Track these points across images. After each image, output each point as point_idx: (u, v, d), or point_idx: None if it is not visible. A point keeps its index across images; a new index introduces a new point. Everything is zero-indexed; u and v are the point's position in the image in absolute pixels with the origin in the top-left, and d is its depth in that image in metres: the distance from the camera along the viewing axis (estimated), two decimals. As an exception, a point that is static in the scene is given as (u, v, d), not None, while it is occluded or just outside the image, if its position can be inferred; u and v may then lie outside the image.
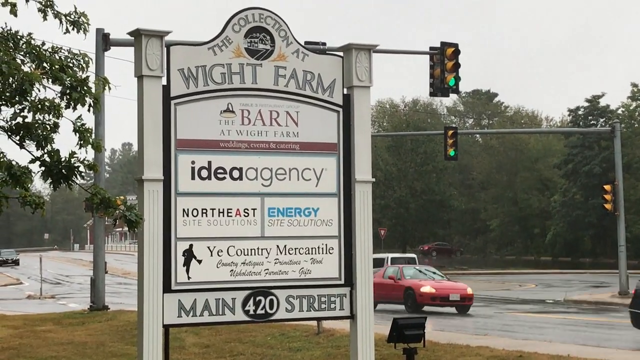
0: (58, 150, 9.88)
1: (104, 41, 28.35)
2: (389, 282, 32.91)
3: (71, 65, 9.93)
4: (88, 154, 10.18)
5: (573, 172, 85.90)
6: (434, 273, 34.74)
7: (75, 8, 10.47)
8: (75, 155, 9.83)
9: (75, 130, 9.92)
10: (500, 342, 19.44)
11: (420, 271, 34.93)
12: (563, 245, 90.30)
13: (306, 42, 27.14)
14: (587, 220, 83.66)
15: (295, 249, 11.79)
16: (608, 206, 43.51)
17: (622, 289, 42.57)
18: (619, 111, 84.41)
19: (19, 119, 9.89)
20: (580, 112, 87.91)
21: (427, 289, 31.76)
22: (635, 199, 75.89)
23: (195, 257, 11.25)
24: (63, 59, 9.96)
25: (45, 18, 10.40)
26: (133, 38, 11.29)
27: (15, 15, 10.27)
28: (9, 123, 9.92)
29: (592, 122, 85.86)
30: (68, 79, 9.80)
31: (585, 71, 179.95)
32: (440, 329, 23.49)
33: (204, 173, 11.38)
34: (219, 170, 11.46)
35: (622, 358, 16.45)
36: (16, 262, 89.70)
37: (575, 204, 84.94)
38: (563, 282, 55.24)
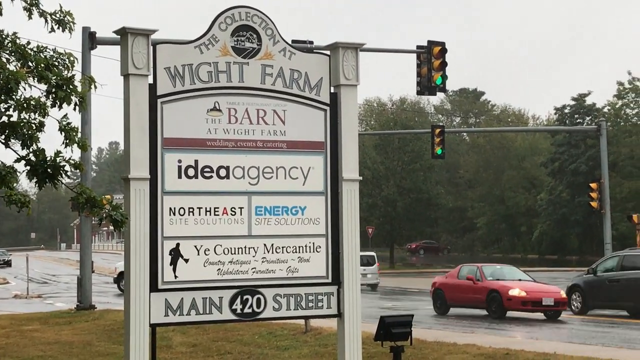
0: (43, 150, 9.84)
1: (90, 40, 28.28)
2: (466, 283, 29.54)
3: (57, 64, 9.90)
4: (74, 153, 10.15)
5: (559, 171, 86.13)
6: (517, 272, 30.86)
7: (61, 7, 10.44)
8: (60, 155, 9.79)
9: (61, 129, 9.89)
10: (487, 339, 19.48)
11: (501, 270, 31.11)
12: (549, 243, 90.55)
13: (293, 41, 27.15)
14: (573, 218, 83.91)
15: (283, 247, 11.78)
16: (594, 204, 43.70)
17: (608, 286, 42.66)
18: (605, 109, 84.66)
19: (4, 118, 9.84)
20: (566, 111, 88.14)
21: (516, 291, 28.04)
22: (621, 197, 76.14)
23: (182, 256, 11.23)
24: (48, 57, 9.93)
25: (30, 17, 10.36)
26: (119, 36, 11.26)
27: (0, 14, 10.23)
28: (-5, 122, 9.87)
29: (579, 120, 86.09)
30: (54, 78, 9.77)
31: (572, 70, 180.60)
32: (427, 327, 23.50)
33: (191, 172, 11.36)
34: (206, 169, 11.44)
35: (608, 355, 16.50)
36: (8, 264, 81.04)
37: (561, 202, 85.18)
38: (550, 279, 55.21)
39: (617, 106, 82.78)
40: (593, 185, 44.33)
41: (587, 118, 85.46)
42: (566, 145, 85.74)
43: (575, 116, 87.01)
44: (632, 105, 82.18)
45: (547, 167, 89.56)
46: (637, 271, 28.36)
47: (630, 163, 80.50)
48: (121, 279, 43.52)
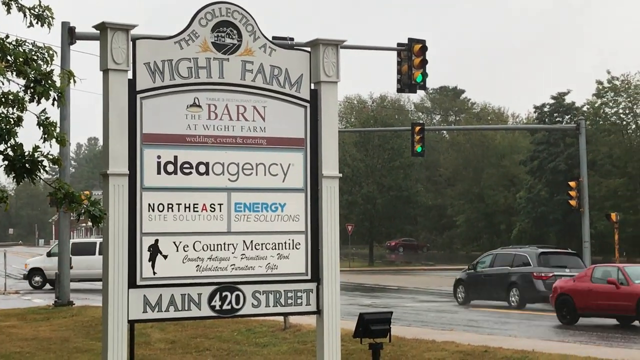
0: (21, 144, 9.78)
1: (70, 35, 28.14)
2: (605, 287, 24.83)
3: (35, 58, 9.83)
4: (52, 148, 10.09)
5: (539, 169, 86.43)
6: None
7: (40, 1, 10.37)
8: (39, 150, 9.74)
9: (39, 124, 9.83)
10: (466, 337, 19.53)
11: None
12: (528, 241, 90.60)
13: (274, 37, 27.07)
14: (552, 216, 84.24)
15: (262, 244, 11.76)
16: (573, 202, 43.91)
17: (586, 284, 42.87)
18: (584, 108, 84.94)
19: (-18, 113, 9.77)
20: (545, 109, 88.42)
21: None
22: (600, 195, 76.48)
23: (160, 252, 11.20)
24: (27, 52, 9.86)
25: (9, 11, 10.28)
26: (99, 32, 11.21)
27: (-22, 9, 10.15)
28: (-28, 117, 9.80)
29: (558, 119, 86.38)
30: (32, 72, 9.71)
31: (551, 68, 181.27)
32: (407, 324, 23.57)
33: (170, 168, 11.32)
34: (185, 165, 11.40)
35: (585, 352, 16.59)
36: None
37: (540, 200, 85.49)
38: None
39: (596, 105, 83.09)
40: (572, 183, 44.54)
41: (567, 117, 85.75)
42: (545, 144, 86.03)
43: (555, 115, 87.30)
44: (611, 104, 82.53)
45: (526, 165, 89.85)
46: (505, 267, 32.56)
47: (609, 162, 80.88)
48: (33, 275, 43.39)
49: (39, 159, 9.70)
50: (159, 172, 11.26)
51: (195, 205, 11.42)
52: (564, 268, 31.16)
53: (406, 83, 32.14)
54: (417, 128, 40.84)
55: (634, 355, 16.42)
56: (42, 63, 9.87)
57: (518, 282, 31.46)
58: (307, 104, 12.07)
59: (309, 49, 12.33)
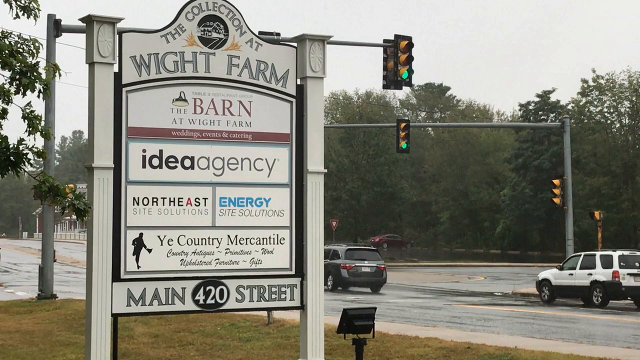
0: (6, 137, 9.73)
1: (55, 27, 28.04)
2: None
3: (21, 50, 9.78)
4: (37, 141, 10.05)
5: (523, 167, 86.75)
6: None
7: (26, -7, 10.30)
8: (23, 142, 9.69)
9: (24, 117, 9.78)
10: (449, 333, 19.59)
11: None
12: (512, 238, 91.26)
13: (260, 32, 27.08)
14: (536, 214, 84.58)
15: (246, 239, 11.78)
16: (557, 200, 44.04)
17: (569, 282, 43.09)
18: (569, 107, 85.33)
19: (-33, 104, 9.72)
20: (530, 107, 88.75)
21: None
22: (584, 193, 76.85)
23: (145, 246, 11.19)
24: (13, 44, 9.81)
25: (-5, 3, 10.22)
26: (85, 24, 11.18)
27: (-35, 0, 10.08)
28: (-43, 108, 9.75)
29: (543, 117, 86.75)
30: (18, 65, 9.66)
31: (537, 66, 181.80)
32: (391, 320, 23.62)
33: (155, 162, 11.32)
34: (170, 159, 11.40)
35: (568, 350, 16.67)
36: None
37: (524, 198, 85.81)
38: (511, 274, 55.79)
39: (581, 104, 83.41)
40: (556, 181, 44.67)
41: (551, 115, 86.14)
42: (530, 142, 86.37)
43: (540, 113, 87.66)
44: (595, 103, 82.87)
45: (510, 163, 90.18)
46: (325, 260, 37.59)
47: (593, 160, 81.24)
48: None
49: (24, 151, 9.65)
50: (144, 166, 11.25)
51: (180, 200, 11.42)
52: (364, 260, 39.33)
53: (392, 79, 32.17)
54: (402, 124, 40.88)
55: (616, 352, 16.50)
56: (27, 55, 9.83)
57: (332, 271, 38.66)
58: (293, 99, 12.08)
59: (295, 44, 12.34)
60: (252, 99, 11.85)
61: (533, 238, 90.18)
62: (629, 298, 32.51)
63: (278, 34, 30.16)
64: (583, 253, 35.31)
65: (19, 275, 50.27)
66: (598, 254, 33.36)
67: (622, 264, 32.03)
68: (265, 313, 19.59)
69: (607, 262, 32.29)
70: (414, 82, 34.12)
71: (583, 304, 33.04)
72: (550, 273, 35.18)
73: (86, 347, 11.07)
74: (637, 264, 32.21)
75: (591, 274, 32.49)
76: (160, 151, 11.35)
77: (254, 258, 11.82)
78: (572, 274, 33.56)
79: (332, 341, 15.99)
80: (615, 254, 32.53)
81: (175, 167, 11.42)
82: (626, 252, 33.57)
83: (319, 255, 12.16)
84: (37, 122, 9.82)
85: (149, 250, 11.22)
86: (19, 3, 10.18)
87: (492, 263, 75.62)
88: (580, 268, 33.20)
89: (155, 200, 11.29)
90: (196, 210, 11.50)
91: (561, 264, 35.13)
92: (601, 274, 32.12)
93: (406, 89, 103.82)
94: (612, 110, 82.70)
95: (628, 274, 31.69)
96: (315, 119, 12.17)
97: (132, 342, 17.89)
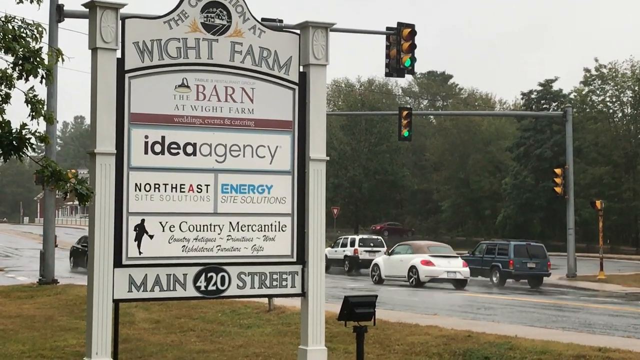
0: (9, 122, 9.74)
1: (58, 12, 28.01)
2: None
3: (24, 35, 9.77)
4: (40, 125, 10.05)
5: (524, 155, 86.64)
6: None
7: (29, -23, 10.29)
8: (26, 127, 9.69)
9: (27, 102, 9.78)
10: (449, 321, 19.62)
11: None
12: (513, 227, 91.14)
13: (263, 19, 27.01)
14: (537, 203, 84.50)
15: (248, 225, 11.78)
16: (558, 189, 44.04)
17: (570, 271, 43.21)
18: (571, 96, 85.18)
19: (-30, 89, 9.72)
20: (533, 96, 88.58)
21: None
22: (585, 183, 76.79)
23: (146, 232, 11.20)
24: (16, 28, 9.80)
25: (-2, -13, 10.22)
26: (88, 10, 11.17)
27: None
28: (-41, 93, 9.75)
29: (545, 106, 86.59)
30: (21, 50, 9.65)
31: (539, 55, 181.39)
32: (391, 308, 23.66)
33: (157, 148, 11.31)
34: (173, 146, 11.39)
35: (567, 339, 16.68)
36: None
37: (526, 187, 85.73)
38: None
39: (583, 93, 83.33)
40: (557, 170, 44.67)
41: (554, 104, 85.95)
42: (532, 131, 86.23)
43: (542, 102, 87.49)
44: (598, 92, 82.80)
45: (512, 151, 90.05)
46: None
47: (594, 150, 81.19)
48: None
49: (27, 136, 9.66)
50: (146, 152, 11.25)
51: (182, 186, 11.42)
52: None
53: (394, 67, 32.13)
54: (405, 112, 40.83)
55: (615, 342, 16.52)
56: (30, 40, 9.82)
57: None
58: (296, 87, 12.07)
59: (298, 31, 12.32)
60: (255, 85, 11.84)
61: (534, 227, 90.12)
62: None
63: (281, 21, 30.12)
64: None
65: (20, 260, 50.36)
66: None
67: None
68: (266, 300, 19.62)
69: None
70: (416, 70, 34.12)
71: None
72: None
73: (87, 332, 11.09)
74: (371, 244, 46.52)
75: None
76: (163, 137, 11.34)
77: (255, 245, 11.83)
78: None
79: (333, 328, 16.02)
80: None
81: (178, 153, 11.42)
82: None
83: (320, 243, 12.17)
84: (40, 106, 9.82)
85: (151, 237, 11.23)
86: (22, -13, 10.16)
87: (493, 252, 75.52)
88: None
89: (157, 186, 11.29)
90: (198, 196, 11.51)
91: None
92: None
93: (408, 77, 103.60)
94: (614, 100, 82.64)
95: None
96: (317, 107, 12.16)
97: (133, 327, 17.93)
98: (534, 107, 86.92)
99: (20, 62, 9.71)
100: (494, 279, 38.43)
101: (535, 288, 37.27)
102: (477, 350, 15.05)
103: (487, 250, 40.01)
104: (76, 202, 9.98)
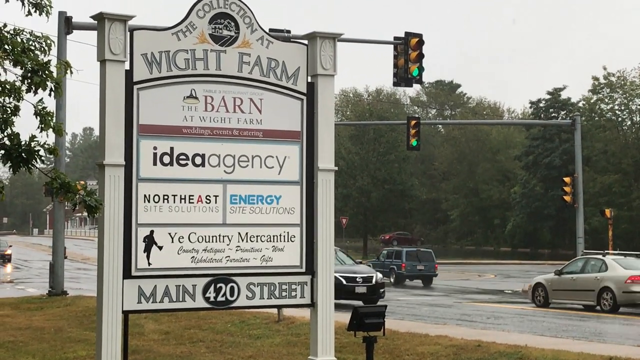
0: (18, 134, 9.77)
1: (67, 24, 28.10)
2: None
3: (33, 48, 9.81)
4: (49, 137, 10.09)
5: (533, 164, 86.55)
6: None
7: (39, -10, 10.32)
8: (35, 139, 9.73)
9: (36, 114, 9.82)
10: (459, 331, 19.57)
11: None
12: (522, 236, 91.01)
13: (271, 30, 27.07)
14: (546, 211, 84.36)
15: (257, 236, 11.78)
16: (567, 198, 43.93)
17: (579, 280, 42.99)
18: (580, 104, 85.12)
19: (-21, 102, 9.75)
20: (541, 105, 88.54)
21: None
22: (594, 191, 76.62)
23: (156, 243, 11.21)
24: (25, 41, 9.84)
25: (7, 0, 10.26)
26: (96, 22, 11.20)
27: (-24, -3, 10.12)
28: (-31, 106, 9.78)
29: (553, 114, 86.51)
30: (29, 63, 9.68)
31: (548, 64, 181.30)
32: (401, 318, 23.61)
33: (166, 159, 11.33)
34: (181, 157, 11.41)
35: (578, 348, 16.63)
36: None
37: (535, 196, 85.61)
38: (522, 272, 55.69)
39: (592, 101, 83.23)
40: (566, 179, 44.56)
41: (562, 112, 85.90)
42: (540, 139, 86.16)
43: (550, 110, 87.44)
44: (606, 100, 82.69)
45: (521, 160, 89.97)
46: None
47: (603, 158, 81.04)
48: None
49: (36, 148, 9.69)
50: (155, 163, 11.27)
51: (191, 197, 11.43)
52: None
53: (402, 77, 32.15)
54: (413, 122, 40.82)
55: (626, 351, 16.45)
56: (39, 53, 9.85)
57: None
58: (304, 97, 12.08)
59: (306, 42, 12.34)
60: (263, 96, 11.86)
61: (543, 236, 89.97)
62: None
63: (289, 32, 30.18)
64: None
65: (29, 271, 50.46)
66: None
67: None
68: (275, 310, 19.59)
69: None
70: (424, 80, 34.11)
71: None
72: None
73: (97, 344, 11.09)
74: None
75: None
76: (171, 148, 11.36)
77: (264, 255, 11.82)
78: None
79: (342, 339, 15.99)
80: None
81: (186, 164, 11.43)
82: None
83: (330, 253, 12.16)
84: (49, 118, 9.86)
85: (160, 248, 11.23)
86: (31, 0, 10.21)
87: (503, 261, 75.55)
88: None
89: (166, 197, 11.30)
90: (207, 207, 11.52)
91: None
92: None
93: (416, 87, 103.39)
94: (623, 108, 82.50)
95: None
96: (325, 117, 12.17)
97: (142, 338, 17.93)
98: (542, 115, 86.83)
99: (29, 74, 9.74)
100: (392, 279, 44.26)
101: (427, 287, 43.03)
102: (487, 360, 15.00)
103: (387, 255, 46.65)
104: (85, 214, 10.00)
